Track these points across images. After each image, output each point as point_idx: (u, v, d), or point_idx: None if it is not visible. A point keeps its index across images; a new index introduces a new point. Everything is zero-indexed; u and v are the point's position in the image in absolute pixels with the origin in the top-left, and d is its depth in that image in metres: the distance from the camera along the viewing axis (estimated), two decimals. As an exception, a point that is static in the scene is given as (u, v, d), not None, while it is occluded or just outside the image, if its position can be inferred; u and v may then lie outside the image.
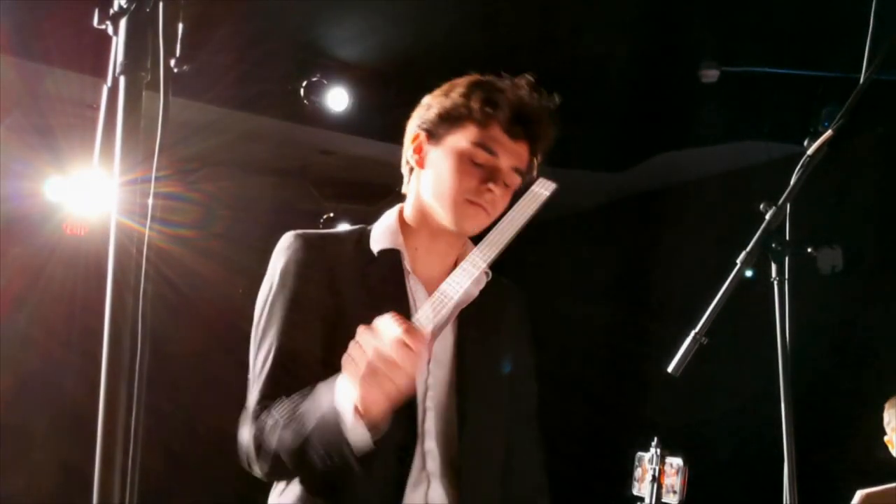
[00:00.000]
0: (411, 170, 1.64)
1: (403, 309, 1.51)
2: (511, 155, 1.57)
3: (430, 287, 1.53)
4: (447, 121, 1.58)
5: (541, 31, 4.12)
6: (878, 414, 3.22)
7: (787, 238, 1.64)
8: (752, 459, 3.87)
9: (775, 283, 1.63)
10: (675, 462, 3.02)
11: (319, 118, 4.58)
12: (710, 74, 4.28)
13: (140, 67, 0.86)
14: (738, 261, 1.61)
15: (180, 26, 0.87)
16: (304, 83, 4.39)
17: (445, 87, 1.64)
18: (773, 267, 1.63)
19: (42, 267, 4.76)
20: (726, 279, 1.60)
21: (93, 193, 4.51)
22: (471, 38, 4.24)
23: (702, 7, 3.86)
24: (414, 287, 1.60)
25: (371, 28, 4.27)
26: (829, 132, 1.62)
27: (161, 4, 0.86)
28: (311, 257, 1.55)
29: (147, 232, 0.85)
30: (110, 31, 0.88)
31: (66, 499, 4.49)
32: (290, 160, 5.47)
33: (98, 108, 0.88)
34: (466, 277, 1.37)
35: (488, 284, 1.64)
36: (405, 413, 1.44)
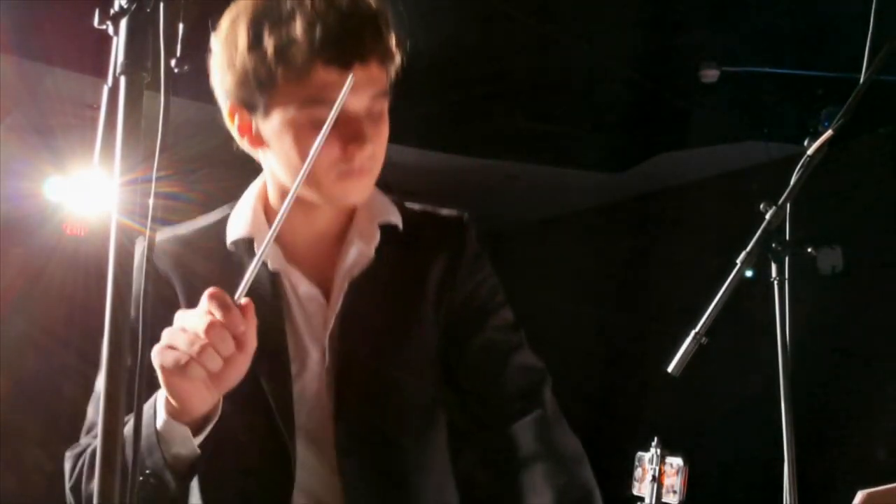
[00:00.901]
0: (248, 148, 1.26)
1: (275, 321, 1.24)
2: (357, 94, 1.14)
3: (316, 267, 1.27)
4: (256, 86, 1.15)
5: (540, 31, 4.12)
6: (879, 414, 3.22)
7: (787, 238, 1.64)
8: (752, 459, 3.87)
9: (775, 283, 1.63)
10: (675, 462, 3.02)
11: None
12: (710, 74, 4.28)
13: (140, 67, 0.86)
14: (738, 261, 1.61)
15: (181, 26, 0.87)
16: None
17: (226, 27, 1.18)
18: (773, 267, 1.63)
19: (42, 267, 4.76)
20: (726, 279, 1.60)
21: (93, 193, 4.51)
22: (470, 38, 4.24)
23: (702, 7, 3.86)
24: (291, 280, 1.26)
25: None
26: (829, 132, 1.62)
27: (162, 4, 0.86)
28: (153, 269, 1.23)
29: (148, 232, 0.85)
30: (111, 31, 0.88)
31: (64, 499, 4.49)
32: (290, 160, 5.46)
33: (98, 108, 0.88)
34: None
35: (401, 233, 1.30)
36: (268, 418, 1.21)
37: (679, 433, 3.95)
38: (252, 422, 1.20)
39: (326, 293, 1.27)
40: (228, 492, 1.25)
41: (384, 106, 1.22)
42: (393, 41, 1.21)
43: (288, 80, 1.13)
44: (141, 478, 1.06)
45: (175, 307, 1.11)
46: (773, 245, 1.62)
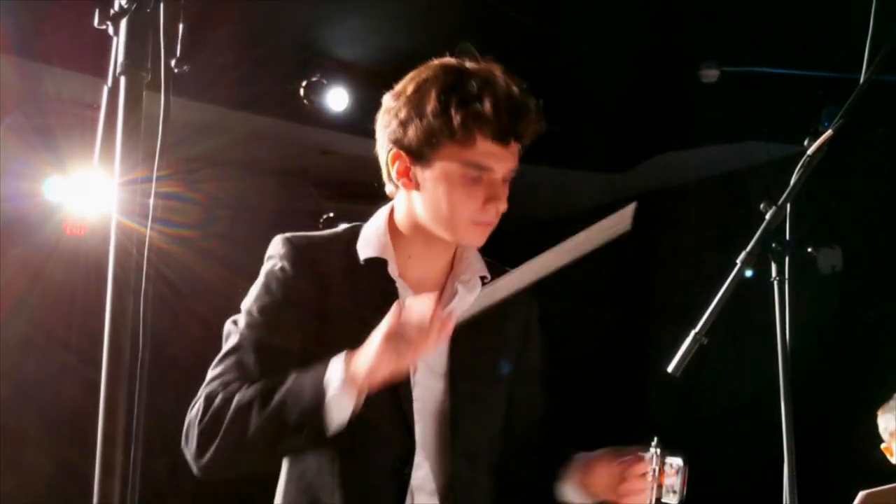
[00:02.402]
0: (397, 185, 1.55)
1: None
2: (506, 162, 1.50)
3: (421, 290, 1.51)
4: (430, 143, 1.46)
5: (540, 31, 4.12)
6: (877, 414, 3.22)
7: (787, 238, 1.64)
8: (752, 459, 3.87)
9: (775, 283, 1.63)
10: (675, 462, 3.01)
11: (319, 118, 4.57)
12: (710, 74, 4.28)
13: (140, 68, 0.86)
14: (738, 261, 1.61)
15: (181, 26, 0.87)
16: (304, 83, 4.38)
17: (411, 91, 1.50)
18: (773, 267, 1.63)
19: (42, 267, 4.75)
20: (726, 279, 1.60)
21: (93, 193, 4.50)
22: (470, 38, 4.23)
23: (702, 7, 3.86)
24: (403, 294, 1.54)
25: (371, 28, 4.26)
26: (829, 132, 1.62)
27: (161, 5, 0.86)
28: (297, 264, 1.52)
29: (148, 232, 0.85)
30: (111, 31, 0.88)
31: (65, 501, 4.49)
32: (290, 160, 5.46)
33: (98, 108, 0.88)
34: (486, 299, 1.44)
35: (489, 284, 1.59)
36: (400, 422, 1.48)
37: (679, 433, 3.94)
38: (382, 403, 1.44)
39: None
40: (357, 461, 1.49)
41: (512, 177, 1.54)
42: (537, 127, 1.53)
43: (459, 144, 1.45)
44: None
45: (309, 299, 1.48)
46: (773, 245, 1.62)
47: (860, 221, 4.89)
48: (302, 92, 4.39)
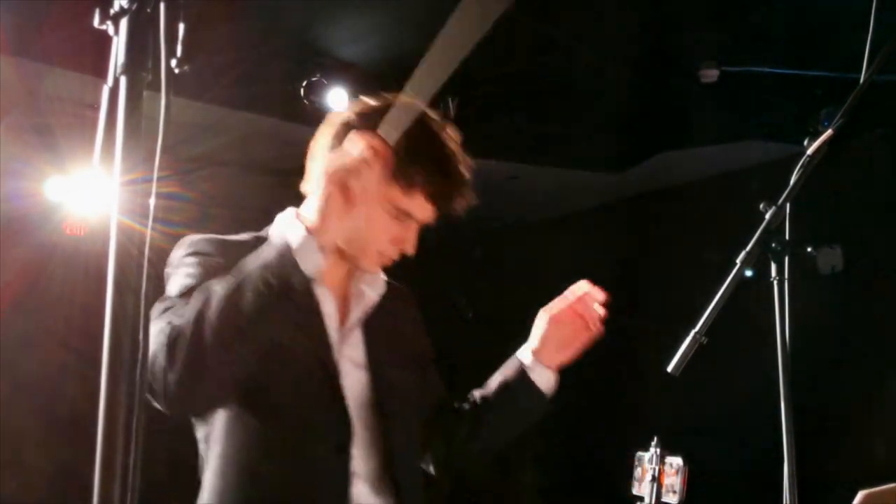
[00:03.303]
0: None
1: (316, 322, 1.59)
2: (429, 218, 1.64)
3: (334, 295, 1.64)
4: (386, 182, 1.56)
5: (540, 31, 4.12)
6: (879, 414, 3.22)
7: (787, 238, 1.64)
8: (752, 459, 3.87)
9: (775, 283, 1.63)
10: (675, 462, 3.02)
11: (319, 118, 4.57)
12: (710, 74, 4.27)
13: (141, 68, 0.86)
14: (738, 261, 1.61)
15: (181, 26, 0.87)
16: (304, 83, 4.38)
17: (400, 132, 1.58)
18: (773, 267, 1.63)
19: (42, 267, 4.76)
20: (726, 279, 1.60)
21: (93, 193, 4.51)
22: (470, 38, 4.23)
23: (702, 7, 3.86)
24: (320, 294, 1.62)
25: (371, 28, 4.26)
26: (829, 132, 1.62)
27: (161, 5, 0.86)
28: (218, 252, 1.58)
29: (148, 232, 0.85)
30: (111, 31, 0.88)
31: (65, 501, 4.49)
32: (290, 160, 5.45)
33: (98, 108, 0.88)
34: None
35: (388, 285, 1.74)
36: (336, 411, 1.55)
37: (679, 433, 3.95)
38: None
39: (341, 316, 1.66)
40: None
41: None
42: (466, 204, 1.66)
43: (402, 188, 1.56)
44: None
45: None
46: (773, 245, 1.62)
47: (860, 221, 4.89)
48: (302, 92, 4.39)
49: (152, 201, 0.87)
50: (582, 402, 6.26)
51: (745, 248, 1.61)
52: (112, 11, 0.87)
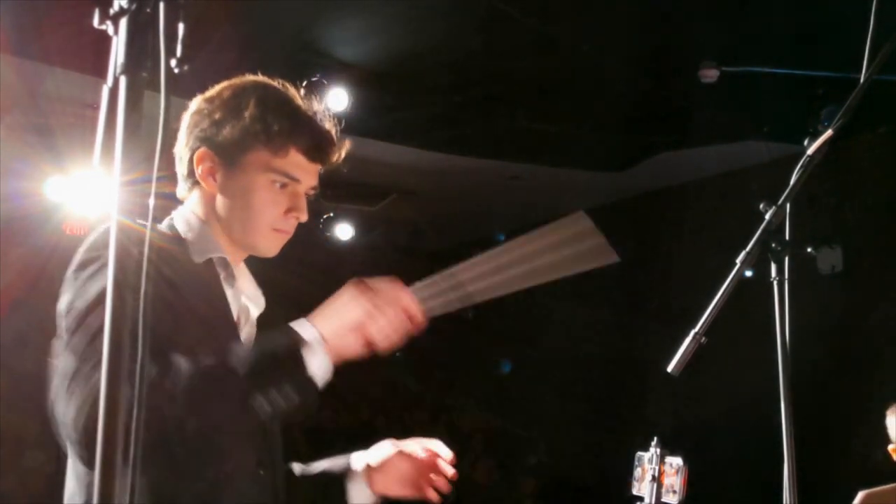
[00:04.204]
0: (195, 183, 1.55)
1: (230, 323, 1.52)
2: (311, 177, 1.57)
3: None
4: (243, 145, 1.50)
5: (540, 31, 4.12)
6: (879, 414, 3.22)
7: (787, 238, 1.63)
8: (752, 459, 3.87)
9: (775, 283, 1.63)
10: (675, 462, 3.01)
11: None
12: (710, 74, 4.27)
13: (141, 67, 0.86)
14: (738, 261, 1.61)
15: (181, 26, 0.87)
16: (304, 83, 4.38)
17: (228, 95, 1.54)
18: (773, 267, 1.63)
19: (42, 267, 4.76)
20: (726, 279, 1.60)
21: (93, 193, 4.51)
22: (470, 38, 4.24)
23: (702, 7, 3.86)
24: (236, 296, 1.56)
25: (371, 28, 4.26)
26: (829, 132, 1.61)
27: (161, 5, 0.86)
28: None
29: (148, 232, 0.85)
30: (111, 31, 0.88)
31: (63, 500, 4.48)
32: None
33: (98, 108, 0.88)
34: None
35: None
36: (257, 426, 1.46)
37: (679, 433, 3.95)
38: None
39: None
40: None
41: (315, 193, 1.61)
42: (336, 156, 1.62)
43: (271, 152, 1.50)
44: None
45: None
46: (773, 245, 1.62)
47: (860, 221, 4.89)
48: (302, 92, 4.38)
49: (152, 201, 0.87)
50: (582, 402, 6.26)
51: (745, 248, 1.61)
52: (112, 11, 0.87)
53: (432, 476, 1.64)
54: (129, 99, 0.85)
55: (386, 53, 4.44)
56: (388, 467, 1.64)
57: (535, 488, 6.84)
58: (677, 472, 3.01)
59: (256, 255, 1.59)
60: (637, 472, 3.13)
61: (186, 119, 1.55)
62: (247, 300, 1.59)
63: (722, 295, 1.59)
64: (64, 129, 4.42)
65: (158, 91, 0.89)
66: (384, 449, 1.66)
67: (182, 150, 1.55)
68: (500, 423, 7.20)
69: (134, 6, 0.86)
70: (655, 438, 3.17)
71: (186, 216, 1.56)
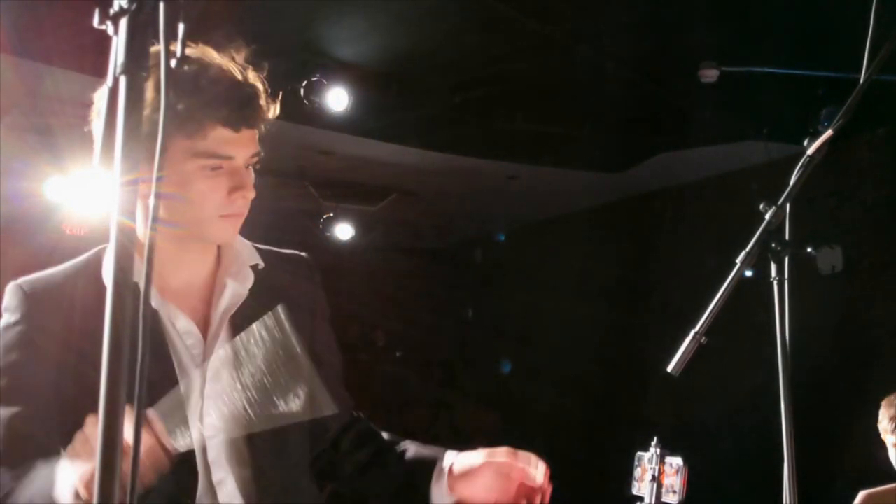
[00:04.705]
0: None
1: (159, 350, 1.37)
2: (243, 147, 1.37)
3: (188, 299, 1.42)
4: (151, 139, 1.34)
5: (540, 31, 4.12)
6: (878, 414, 3.22)
7: (787, 238, 1.63)
8: (752, 459, 3.87)
9: (775, 283, 1.63)
10: (675, 462, 3.01)
11: (319, 118, 4.57)
12: (710, 74, 4.28)
13: (141, 68, 0.86)
14: (738, 261, 1.61)
15: (181, 26, 0.87)
16: (304, 83, 4.38)
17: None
18: (773, 267, 1.63)
19: (42, 267, 4.75)
20: (726, 279, 1.60)
21: (93, 193, 4.51)
22: (470, 39, 4.24)
23: (702, 7, 3.86)
24: (166, 314, 1.40)
25: (371, 28, 4.27)
26: (829, 132, 1.61)
27: (162, 5, 0.86)
28: (34, 314, 1.38)
29: (148, 232, 0.85)
30: (111, 31, 0.88)
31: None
32: (289, 160, 5.47)
33: (98, 109, 0.88)
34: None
35: (263, 272, 1.49)
36: (178, 458, 1.30)
37: (679, 433, 3.95)
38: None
39: (203, 327, 1.43)
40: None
41: (256, 161, 1.42)
42: (270, 111, 1.41)
43: (188, 136, 1.31)
44: None
45: (60, 352, 1.31)
46: (773, 245, 1.62)
47: (860, 221, 4.89)
48: (302, 92, 4.39)
49: (152, 201, 0.87)
50: (583, 402, 6.26)
51: (745, 248, 1.61)
52: (112, 11, 0.87)
53: (522, 485, 1.53)
54: (129, 99, 0.85)
55: (386, 53, 4.44)
56: (475, 478, 1.53)
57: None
58: (677, 472, 3.01)
59: (217, 242, 1.45)
60: (637, 472, 3.13)
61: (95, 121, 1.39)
62: (227, 277, 1.45)
63: (722, 295, 1.59)
64: (64, 129, 4.41)
65: (158, 91, 0.89)
66: (476, 458, 1.55)
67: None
68: (500, 423, 7.20)
69: (134, 6, 0.86)
70: (655, 438, 3.17)
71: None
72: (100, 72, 0.90)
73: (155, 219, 0.88)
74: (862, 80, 1.64)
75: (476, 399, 7.63)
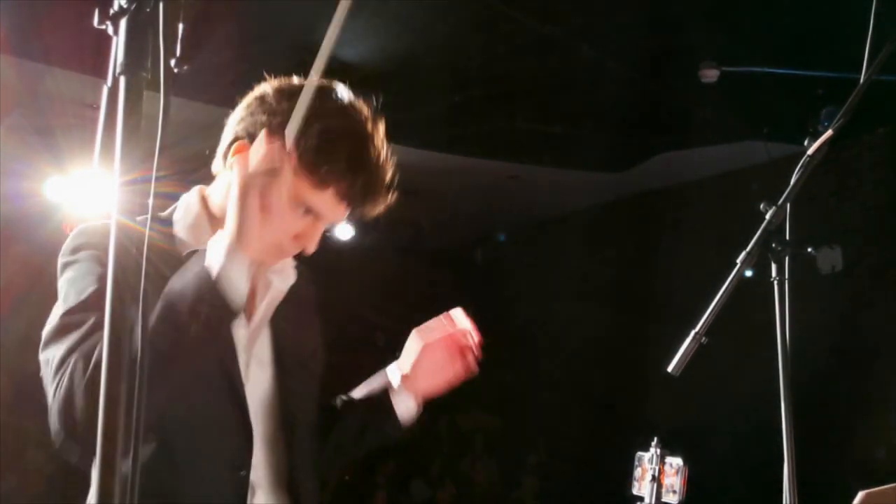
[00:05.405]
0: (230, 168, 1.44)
1: (226, 334, 1.41)
2: (338, 216, 1.44)
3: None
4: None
5: (540, 31, 4.13)
6: (878, 414, 3.22)
7: (787, 238, 1.63)
8: (752, 459, 3.87)
9: (775, 283, 1.63)
10: (675, 462, 3.01)
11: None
12: (710, 74, 4.28)
13: (140, 67, 0.86)
14: (738, 261, 1.61)
15: (180, 26, 0.87)
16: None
17: (311, 120, 1.37)
18: (773, 267, 1.63)
19: (42, 266, 4.75)
20: (726, 279, 1.60)
21: (93, 193, 4.51)
22: (471, 39, 4.24)
23: (702, 7, 3.86)
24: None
25: (371, 28, 4.27)
26: (829, 132, 1.61)
27: (161, 4, 0.86)
28: (101, 244, 1.37)
29: (148, 232, 0.85)
30: (110, 31, 0.88)
31: (64, 500, 4.49)
32: (290, 160, 5.47)
33: (98, 108, 0.88)
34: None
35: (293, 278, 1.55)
36: (237, 419, 1.41)
37: (679, 433, 3.95)
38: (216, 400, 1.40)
39: (248, 313, 1.48)
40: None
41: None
42: (381, 206, 1.49)
43: (311, 182, 1.37)
44: None
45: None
46: (773, 245, 1.62)
47: (860, 221, 4.89)
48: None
49: (151, 201, 0.87)
50: (583, 402, 6.26)
51: (745, 248, 1.61)
52: (111, 11, 0.87)
53: (462, 347, 1.61)
54: (129, 99, 0.85)
55: (386, 53, 4.44)
56: (422, 367, 1.59)
57: (535, 488, 6.84)
58: (677, 472, 3.01)
59: (268, 261, 1.45)
60: (637, 472, 3.12)
61: (249, 101, 1.50)
62: (271, 273, 1.47)
63: (722, 295, 1.59)
64: (64, 129, 4.42)
65: (158, 91, 0.89)
66: (412, 349, 1.60)
67: (231, 124, 1.49)
68: (500, 423, 7.20)
69: (134, 6, 0.86)
70: (655, 438, 3.16)
71: (188, 207, 1.50)
72: (100, 72, 0.90)
73: (154, 218, 0.88)
74: (862, 80, 1.64)
75: (476, 399, 7.63)
